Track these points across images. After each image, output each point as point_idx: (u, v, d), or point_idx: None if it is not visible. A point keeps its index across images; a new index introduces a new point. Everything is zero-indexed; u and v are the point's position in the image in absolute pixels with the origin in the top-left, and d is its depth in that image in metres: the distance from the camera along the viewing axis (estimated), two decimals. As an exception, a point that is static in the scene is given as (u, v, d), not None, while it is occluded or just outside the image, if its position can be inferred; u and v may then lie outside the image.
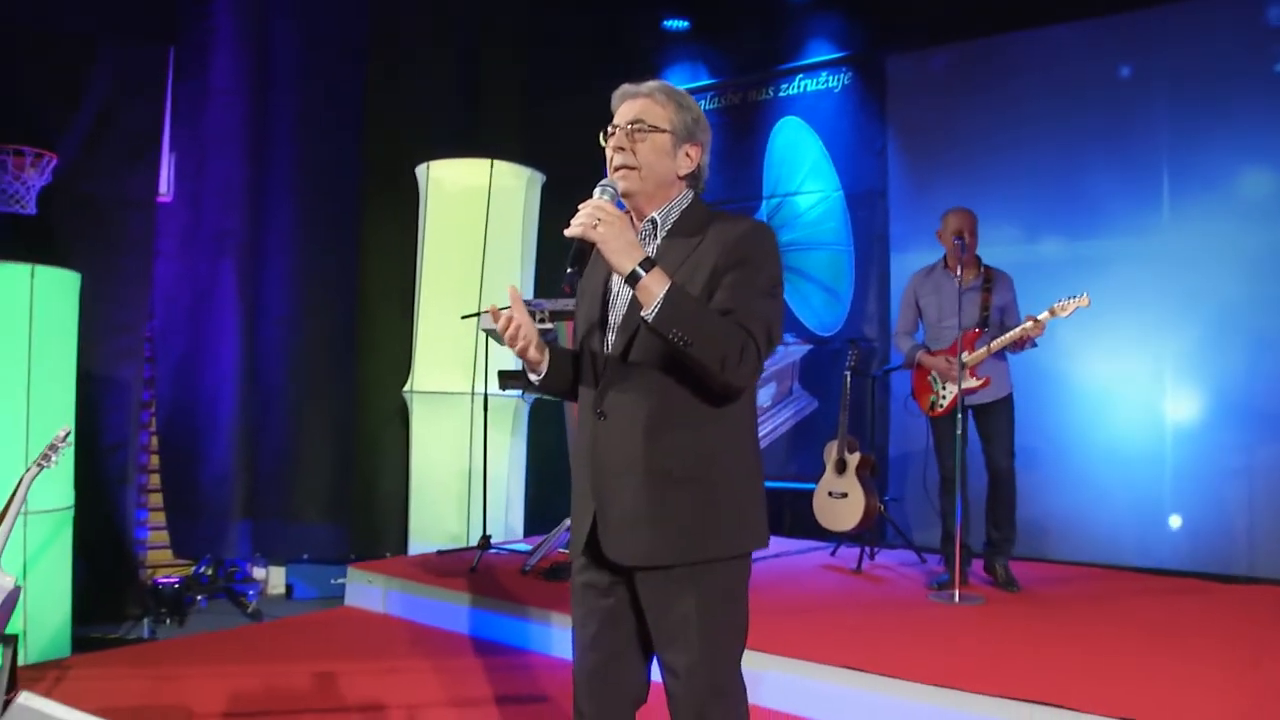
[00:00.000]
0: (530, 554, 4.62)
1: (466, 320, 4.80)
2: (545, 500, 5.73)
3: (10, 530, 2.98)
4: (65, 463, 3.83)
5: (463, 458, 5.27)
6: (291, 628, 4.44)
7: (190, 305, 5.44)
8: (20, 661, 3.32)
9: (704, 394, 1.71)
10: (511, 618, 3.99)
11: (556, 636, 3.75)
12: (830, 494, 4.81)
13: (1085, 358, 5.12)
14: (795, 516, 5.56)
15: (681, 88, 1.84)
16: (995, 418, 4.20)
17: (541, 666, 3.65)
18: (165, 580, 4.87)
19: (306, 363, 5.63)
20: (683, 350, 1.62)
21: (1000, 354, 4.16)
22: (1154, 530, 4.91)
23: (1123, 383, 5.06)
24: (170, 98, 5.24)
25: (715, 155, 1.91)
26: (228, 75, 5.45)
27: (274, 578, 5.51)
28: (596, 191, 1.70)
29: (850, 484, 4.75)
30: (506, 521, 5.48)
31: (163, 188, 5.24)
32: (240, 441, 5.42)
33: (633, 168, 1.76)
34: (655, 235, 1.81)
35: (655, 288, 1.60)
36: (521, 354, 1.78)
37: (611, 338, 1.78)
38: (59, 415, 3.80)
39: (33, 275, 3.78)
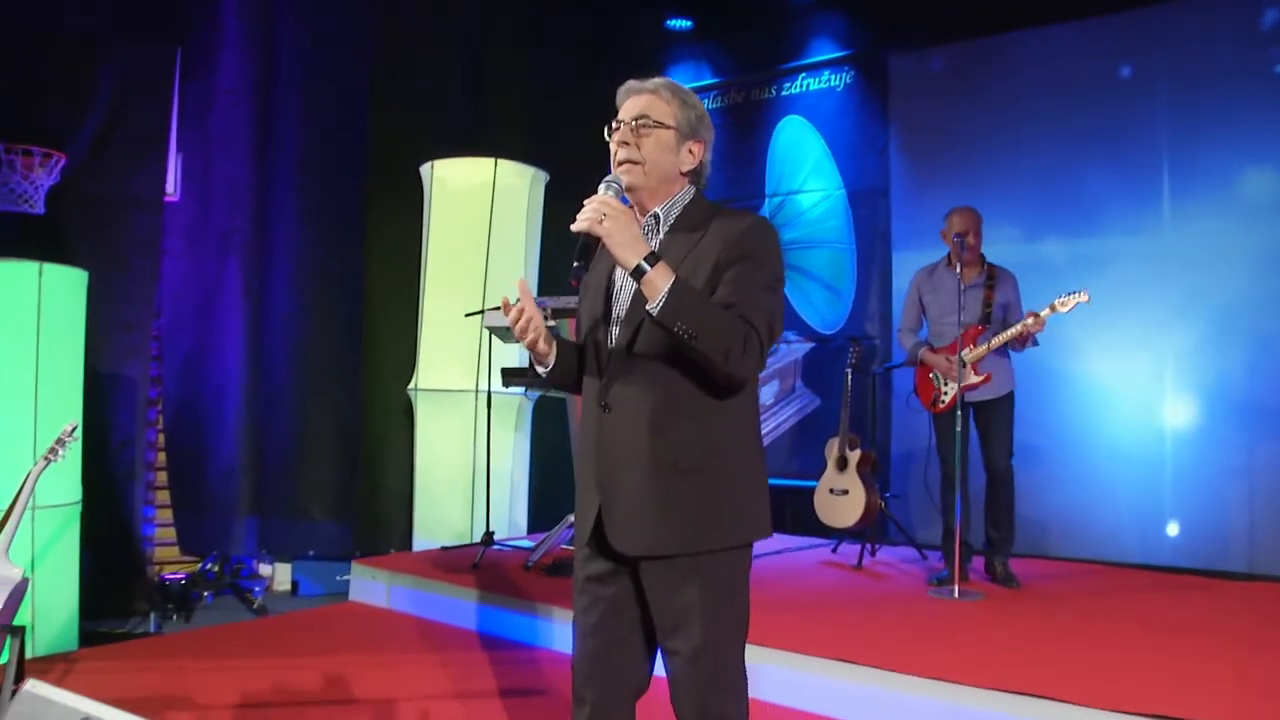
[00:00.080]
0: (533, 550, 4.65)
1: (470, 318, 4.83)
2: (549, 496, 5.76)
3: (19, 524, 3.01)
4: (73, 458, 3.87)
5: (467, 455, 5.30)
6: (297, 623, 4.46)
7: (197, 303, 5.48)
8: (28, 654, 3.34)
9: (708, 387, 1.73)
10: (515, 613, 4.02)
11: (559, 631, 3.78)
12: (831, 491, 4.84)
13: (1086, 356, 5.14)
14: (797, 513, 5.58)
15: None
16: (995, 416, 4.22)
17: (545, 661, 3.67)
18: (172, 576, 4.91)
19: (312, 361, 5.67)
20: (687, 343, 1.64)
21: (1003, 351, 4.18)
22: (1154, 528, 4.93)
23: (1123, 381, 5.08)
24: (177, 98, 5.29)
25: (718, 154, 1.93)
26: (234, 76, 5.49)
27: (280, 574, 5.55)
28: (601, 187, 1.72)
29: (851, 481, 4.78)
30: (510, 518, 5.51)
31: (170, 187, 5.28)
32: (246, 439, 5.46)
33: (637, 162, 1.78)
34: (658, 230, 1.83)
35: (660, 282, 1.63)
36: (531, 346, 1.80)
37: (616, 331, 1.81)
38: (66, 412, 3.84)
39: (41, 273, 3.83)
